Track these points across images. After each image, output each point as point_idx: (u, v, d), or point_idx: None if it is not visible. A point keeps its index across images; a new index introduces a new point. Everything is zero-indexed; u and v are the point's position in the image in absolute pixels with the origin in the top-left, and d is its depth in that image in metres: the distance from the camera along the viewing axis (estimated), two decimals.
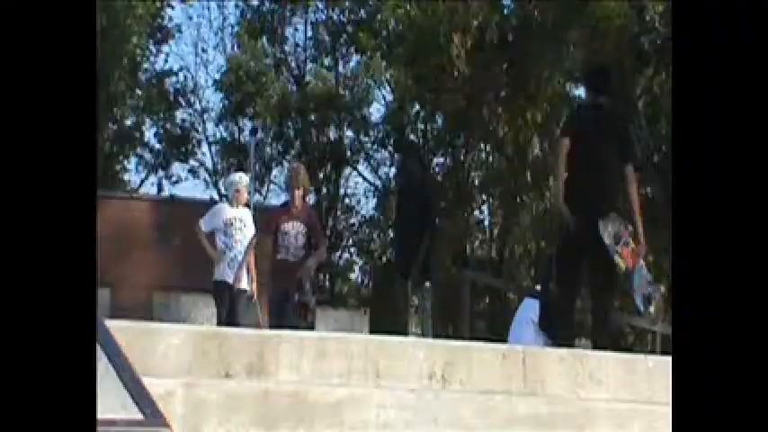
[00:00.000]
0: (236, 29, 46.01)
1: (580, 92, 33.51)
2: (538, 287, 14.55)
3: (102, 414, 4.85)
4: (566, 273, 12.74)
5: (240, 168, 33.29)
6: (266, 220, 17.37)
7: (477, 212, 41.88)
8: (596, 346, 11.70)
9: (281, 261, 16.74)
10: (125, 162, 44.84)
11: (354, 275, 43.20)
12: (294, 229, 16.25)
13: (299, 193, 16.56)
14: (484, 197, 41.81)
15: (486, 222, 42.35)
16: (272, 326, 15.41)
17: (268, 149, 44.79)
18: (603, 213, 11.50)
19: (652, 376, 9.35)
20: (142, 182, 44.59)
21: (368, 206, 41.81)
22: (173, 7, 46.78)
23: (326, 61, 42.72)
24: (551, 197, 11.78)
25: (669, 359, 10.87)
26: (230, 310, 18.08)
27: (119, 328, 6.11)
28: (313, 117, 45.82)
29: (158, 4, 46.54)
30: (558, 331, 12.95)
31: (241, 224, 18.68)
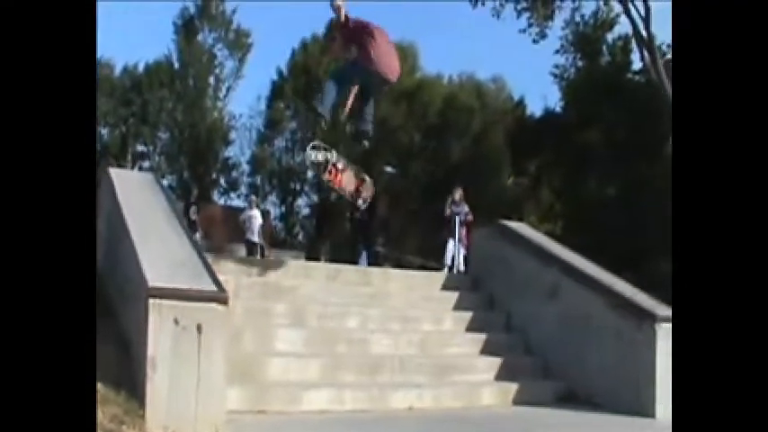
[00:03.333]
0: (254, 138, 45.10)
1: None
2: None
3: (197, 287, 4.76)
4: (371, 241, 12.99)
5: (255, 194, 32.97)
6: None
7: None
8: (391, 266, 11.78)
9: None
10: (217, 197, 43.71)
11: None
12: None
13: None
14: None
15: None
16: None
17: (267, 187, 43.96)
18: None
19: (414, 278, 9.35)
20: (220, 200, 43.33)
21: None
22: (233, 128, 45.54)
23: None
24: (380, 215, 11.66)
25: (425, 273, 10.93)
26: (250, 251, 18.02)
27: (209, 257, 6.06)
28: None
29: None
30: (372, 261, 13.01)
31: (255, 217, 18.88)
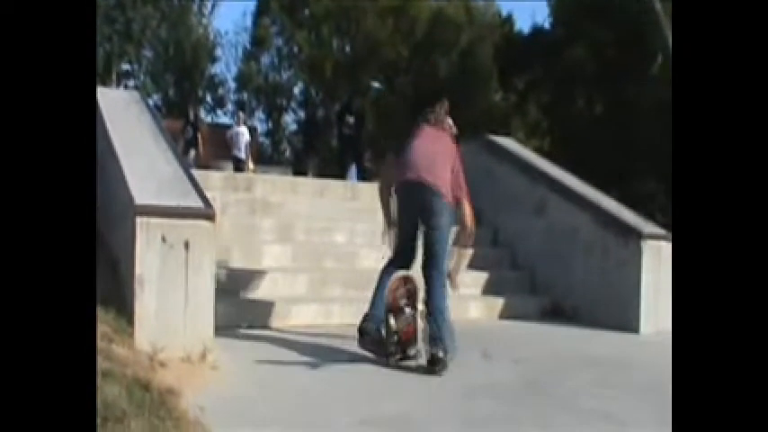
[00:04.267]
0: (240, 55, 44.39)
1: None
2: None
3: (185, 204, 4.69)
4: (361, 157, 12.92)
5: (242, 110, 32.45)
6: None
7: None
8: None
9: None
10: (204, 115, 42.67)
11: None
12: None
13: None
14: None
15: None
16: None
17: (254, 103, 43.34)
18: None
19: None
20: (207, 117, 42.23)
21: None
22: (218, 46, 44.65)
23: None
24: None
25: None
26: (237, 167, 17.80)
27: (197, 173, 5.99)
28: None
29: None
30: (362, 176, 12.96)
31: (242, 134, 18.59)
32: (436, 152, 5.39)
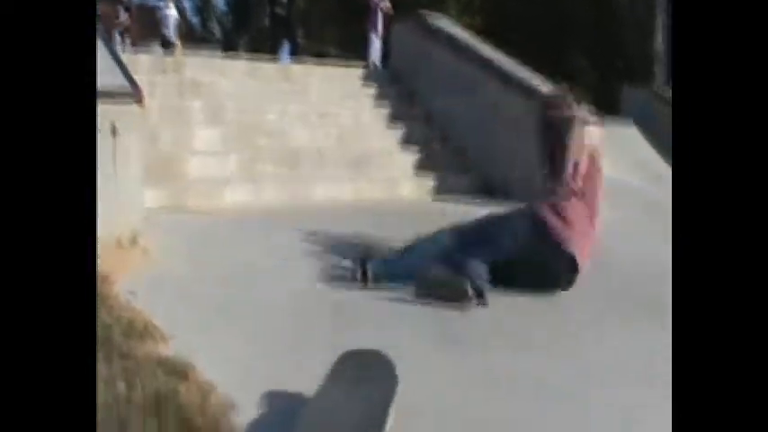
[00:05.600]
0: None
1: None
2: None
3: (110, 86, 4.52)
4: (293, 34, 12.38)
5: None
6: None
7: None
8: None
9: None
10: None
11: None
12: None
13: None
14: None
15: None
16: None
17: None
18: None
19: (335, 73, 9.15)
20: None
21: None
22: None
23: None
24: None
25: (345, 69, 10.63)
26: (165, 46, 17.33)
27: (123, 55, 5.77)
28: None
29: None
30: (294, 51, 12.62)
31: (171, 15, 18.01)
32: None
